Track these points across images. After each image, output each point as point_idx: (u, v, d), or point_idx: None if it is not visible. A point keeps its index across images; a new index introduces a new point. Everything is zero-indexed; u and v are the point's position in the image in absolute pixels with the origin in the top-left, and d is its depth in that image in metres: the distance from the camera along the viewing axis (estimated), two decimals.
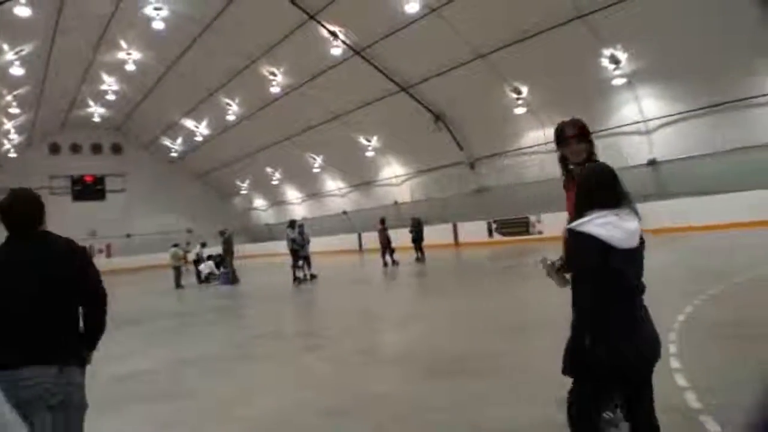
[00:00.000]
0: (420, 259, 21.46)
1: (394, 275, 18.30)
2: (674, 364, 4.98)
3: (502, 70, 24.28)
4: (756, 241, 14.51)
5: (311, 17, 24.67)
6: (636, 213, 2.73)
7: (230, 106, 35.22)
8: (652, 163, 22.53)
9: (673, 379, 4.59)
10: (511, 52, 22.83)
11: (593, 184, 2.73)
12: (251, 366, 7.23)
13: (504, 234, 27.70)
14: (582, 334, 2.63)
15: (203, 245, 26.99)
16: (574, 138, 3.47)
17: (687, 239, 17.67)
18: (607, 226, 2.57)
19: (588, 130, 3.52)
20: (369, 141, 33.12)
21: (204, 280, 22.88)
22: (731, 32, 17.59)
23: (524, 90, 24.92)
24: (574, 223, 2.66)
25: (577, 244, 2.64)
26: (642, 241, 2.72)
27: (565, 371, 2.82)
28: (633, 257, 2.62)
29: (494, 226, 28.15)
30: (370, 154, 33.80)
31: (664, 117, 21.87)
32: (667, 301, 7.68)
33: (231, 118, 36.19)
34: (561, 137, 3.53)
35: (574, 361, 2.73)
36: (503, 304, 10.06)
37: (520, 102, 25.17)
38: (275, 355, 7.75)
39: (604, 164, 2.92)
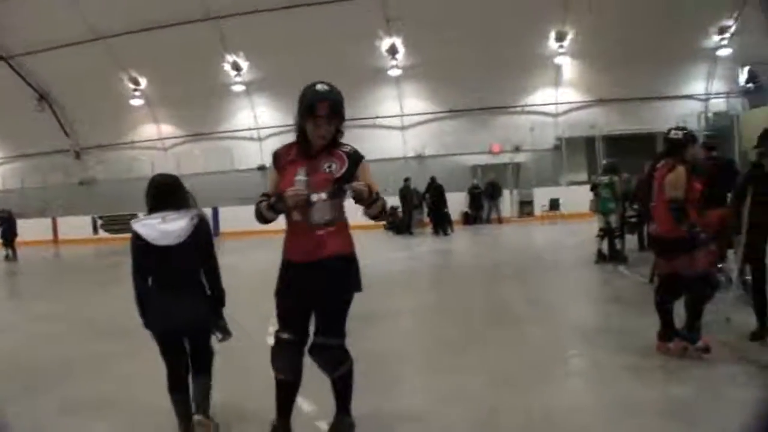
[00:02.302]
0: (10, 258, 19.04)
1: None
2: None
3: (121, 57, 23.68)
4: None
5: None
6: (187, 217, 3.30)
7: None
8: (262, 168, 24.37)
9: None
10: (134, 40, 22.55)
11: (149, 194, 3.39)
12: None
13: (111, 231, 26.40)
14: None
15: None
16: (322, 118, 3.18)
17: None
18: (146, 226, 3.27)
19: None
20: None
21: None
22: (344, 58, 20.90)
23: (143, 82, 24.66)
24: (133, 221, 3.35)
25: (131, 238, 3.35)
26: (194, 239, 3.31)
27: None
28: (170, 252, 3.26)
29: (100, 222, 26.70)
30: None
31: (276, 127, 23.98)
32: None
33: None
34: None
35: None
36: (109, 305, 8.77)
37: (137, 93, 24.79)
38: None
39: (162, 176, 3.56)
